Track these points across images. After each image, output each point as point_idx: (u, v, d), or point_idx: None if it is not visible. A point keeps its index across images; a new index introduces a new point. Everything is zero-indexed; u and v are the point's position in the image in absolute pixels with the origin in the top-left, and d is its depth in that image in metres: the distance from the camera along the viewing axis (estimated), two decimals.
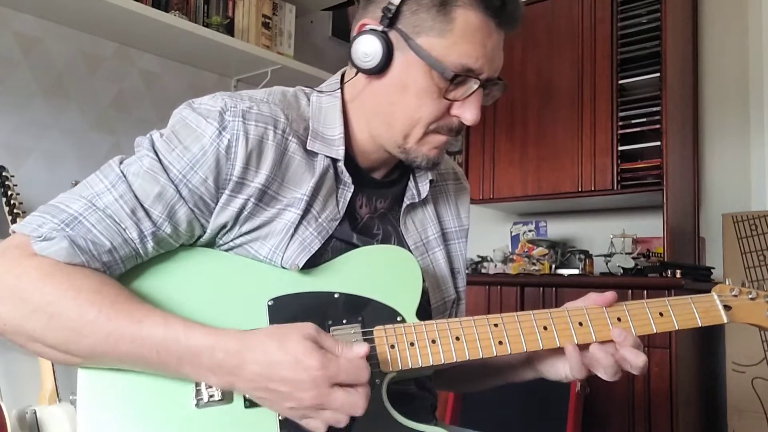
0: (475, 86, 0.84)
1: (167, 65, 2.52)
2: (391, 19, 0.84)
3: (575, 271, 2.49)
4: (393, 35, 0.84)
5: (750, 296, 0.92)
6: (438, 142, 0.89)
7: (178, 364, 0.71)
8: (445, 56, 0.82)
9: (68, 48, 2.22)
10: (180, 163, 0.79)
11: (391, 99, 0.86)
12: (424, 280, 0.87)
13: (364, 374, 0.70)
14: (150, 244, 0.78)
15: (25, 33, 2.11)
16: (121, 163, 0.80)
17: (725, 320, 0.90)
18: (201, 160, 0.79)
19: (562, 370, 0.91)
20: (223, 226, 0.83)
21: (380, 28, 0.84)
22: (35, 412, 1.73)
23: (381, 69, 0.85)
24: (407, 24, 0.84)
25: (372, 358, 0.79)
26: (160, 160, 0.79)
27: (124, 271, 0.78)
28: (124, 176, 0.78)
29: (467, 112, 0.86)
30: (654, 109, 2.32)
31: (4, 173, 1.78)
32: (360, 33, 0.86)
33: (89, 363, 0.74)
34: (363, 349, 0.72)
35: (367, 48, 0.84)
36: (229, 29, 2.49)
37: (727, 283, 0.93)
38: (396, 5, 0.83)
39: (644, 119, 2.35)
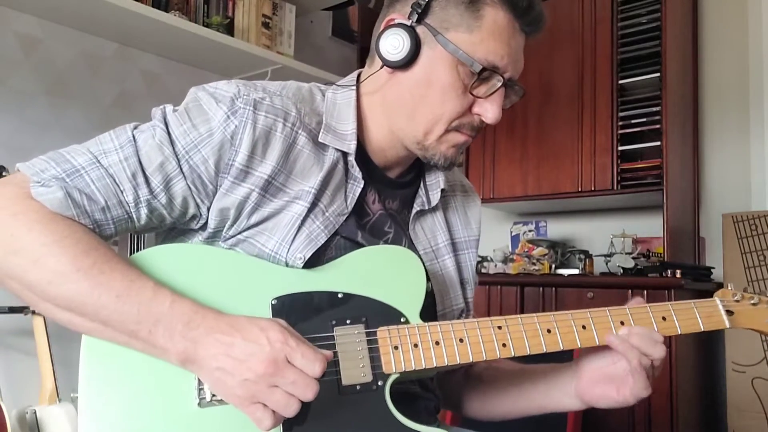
0: (499, 84, 0.86)
1: (168, 65, 2.52)
2: (420, 14, 0.85)
3: (575, 271, 2.49)
4: (421, 30, 0.86)
5: (752, 302, 0.93)
6: (457, 141, 0.90)
7: (153, 326, 0.71)
8: (473, 52, 0.84)
9: (69, 48, 2.23)
10: (185, 140, 0.80)
11: (415, 93, 0.87)
12: (428, 280, 0.87)
13: (318, 366, 0.70)
14: (144, 211, 0.79)
15: (27, 33, 2.11)
16: (135, 128, 0.82)
17: (728, 325, 0.91)
18: (206, 140, 0.80)
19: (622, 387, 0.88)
20: (227, 216, 0.83)
21: (409, 22, 0.86)
22: (35, 412, 1.73)
23: (407, 63, 0.86)
24: (436, 19, 0.85)
25: (376, 359, 0.79)
26: (168, 133, 0.81)
27: (115, 234, 0.80)
28: (134, 141, 0.79)
29: (489, 111, 0.87)
30: (654, 109, 2.32)
31: (4, 173, 1.78)
32: (388, 27, 0.87)
33: (58, 312, 0.73)
34: (327, 352, 0.72)
35: (395, 41, 0.85)
36: (229, 29, 2.49)
37: (730, 288, 0.95)
38: (426, 1, 0.85)
39: (644, 119, 2.36)
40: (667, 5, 2.30)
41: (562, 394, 0.95)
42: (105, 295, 0.71)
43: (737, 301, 0.93)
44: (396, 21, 0.87)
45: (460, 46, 0.84)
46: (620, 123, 2.40)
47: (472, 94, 0.86)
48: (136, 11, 2.08)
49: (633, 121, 2.38)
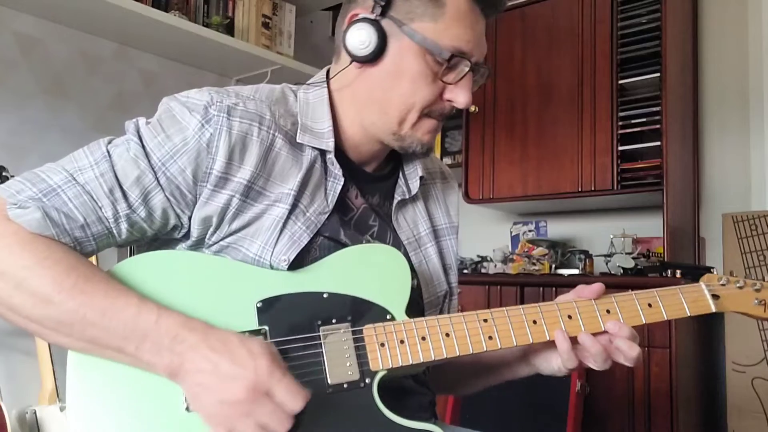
0: (467, 69, 0.88)
1: (167, 65, 2.52)
2: (384, 7, 0.86)
3: (575, 271, 2.49)
4: (386, 23, 0.87)
5: (738, 285, 0.94)
6: (431, 127, 0.91)
7: (140, 342, 0.71)
8: (439, 40, 0.85)
9: (68, 48, 2.23)
10: (160, 151, 0.80)
11: (385, 86, 0.89)
12: (413, 278, 0.87)
13: (300, 401, 0.70)
14: (124, 225, 0.79)
15: (25, 33, 2.11)
16: (109, 143, 0.81)
17: (713, 309, 0.91)
18: (181, 150, 0.80)
19: (555, 363, 0.92)
20: (210, 223, 0.83)
21: (373, 16, 0.87)
22: (35, 412, 1.73)
23: (375, 57, 0.87)
24: (400, 11, 0.87)
25: (362, 357, 0.80)
26: (143, 146, 0.80)
27: (97, 250, 0.80)
28: (109, 156, 0.79)
29: (460, 96, 0.89)
30: (654, 109, 2.31)
31: (3, 173, 1.78)
32: (352, 22, 0.88)
33: (46, 332, 0.73)
34: (309, 394, 0.72)
35: (361, 36, 0.86)
36: (229, 29, 2.49)
37: (715, 273, 0.95)
38: None
39: (644, 119, 2.35)
40: (667, 5, 2.30)
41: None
42: (89, 314, 0.71)
43: (723, 285, 0.93)
44: (360, 15, 0.88)
45: (427, 35, 0.85)
46: (620, 123, 2.40)
47: (442, 81, 0.87)
48: (135, 11, 2.09)
49: (633, 121, 2.38)
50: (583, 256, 2.57)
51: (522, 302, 2.38)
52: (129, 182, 0.78)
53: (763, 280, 2.17)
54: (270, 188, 0.85)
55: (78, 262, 0.74)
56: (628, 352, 0.85)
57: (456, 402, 2.06)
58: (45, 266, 0.71)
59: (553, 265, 2.54)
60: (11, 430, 1.67)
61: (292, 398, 0.69)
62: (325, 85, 0.94)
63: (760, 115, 2.49)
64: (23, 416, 1.73)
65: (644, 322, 0.89)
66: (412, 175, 1.01)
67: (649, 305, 0.89)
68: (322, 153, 0.90)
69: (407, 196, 1.00)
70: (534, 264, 2.52)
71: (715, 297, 0.92)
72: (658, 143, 2.28)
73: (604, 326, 0.87)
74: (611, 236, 2.45)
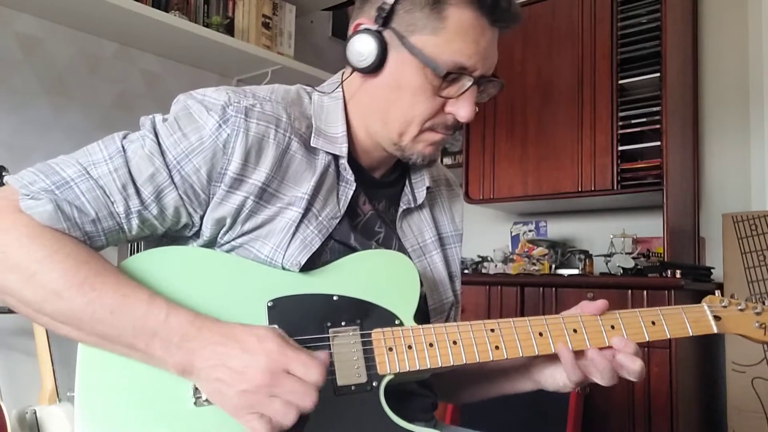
0: (469, 83, 0.85)
1: (168, 65, 2.53)
2: (386, 18, 0.85)
3: (575, 271, 2.49)
4: (387, 34, 0.86)
5: (739, 308, 0.96)
6: (433, 140, 0.90)
7: (149, 339, 0.71)
8: (439, 54, 0.83)
9: (69, 48, 2.23)
10: (176, 150, 0.80)
11: (386, 97, 0.88)
12: (422, 285, 0.87)
13: (316, 372, 0.70)
14: (135, 222, 0.78)
15: (26, 33, 2.12)
16: (124, 137, 0.81)
17: (715, 330, 0.94)
18: (197, 149, 0.80)
19: (560, 378, 0.92)
20: (223, 224, 0.83)
21: (375, 27, 0.86)
22: (35, 412, 1.73)
23: (376, 68, 0.86)
24: (401, 23, 0.85)
25: (370, 360, 0.80)
26: (159, 143, 0.80)
27: (107, 245, 0.79)
28: (124, 151, 0.79)
29: (461, 110, 0.87)
30: (654, 109, 2.32)
31: (4, 173, 1.78)
32: (355, 32, 0.87)
33: (56, 325, 0.73)
34: (323, 354, 0.72)
35: (362, 47, 0.85)
36: (229, 29, 2.49)
37: (717, 294, 0.97)
38: (390, 4, 0.84)
39: (644, 119, 2.35)
40: (667, 5, 2.30)
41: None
42: (99, 311, 0.71)
43: (724, 306, 0.96)
44: (363, 26, 0.87)
45: (425, 49, 0.83)
46: (620, 123, 2.40)
47: (441, 96, 0.86)
48: (136, 11, 2.09)
49: (633, 121, 2.38)
50: (583, 256, 2.57)
51: (522, 302, 2.38)
52: (143, 179, 0.78)
53: (763, 279, 2.18)
54: (284, 191, 0.84)
55: (89, 257, 0.74)
56: (631, 366, 0.86)
57: None
58: (56, 260, 0.71)
59: (553, 265, 2.55)
60: (11, 430, 1.67)
61: (310, 370, 0.69)
62: (340, 89, 0.93)
63: (760, 115, 2.50)
64: (23, 416, 1.73)
65: (647, 339, 0.90)
66: (419, 184, 1.00)
67: (653, 323, 0.91)
68: (335, 157, 0.90)
69: (412, 206, 0.99)
70: (534, 264, 2.52)
71: (716, 318, 0.94)
72: (658, 143, 2.29)
73: (609, 341, 0.88)
74: (611, 236, 2.46)
